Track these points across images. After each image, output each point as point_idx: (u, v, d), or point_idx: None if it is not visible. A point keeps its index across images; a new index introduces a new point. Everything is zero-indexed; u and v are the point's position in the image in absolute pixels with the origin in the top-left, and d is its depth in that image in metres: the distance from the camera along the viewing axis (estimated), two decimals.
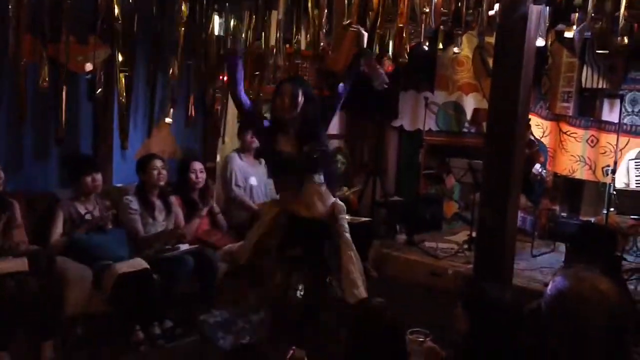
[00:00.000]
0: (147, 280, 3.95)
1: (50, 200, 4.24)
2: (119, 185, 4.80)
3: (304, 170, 3.39)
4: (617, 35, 3.39)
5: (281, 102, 3.40)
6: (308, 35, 4.50)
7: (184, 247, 4.34)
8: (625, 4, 3.22)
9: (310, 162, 3.38)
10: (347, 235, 3.49)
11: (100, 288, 3.88)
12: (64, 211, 4.12)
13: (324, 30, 4.42)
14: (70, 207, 4.16)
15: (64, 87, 4.36)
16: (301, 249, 3.46)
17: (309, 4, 4.36)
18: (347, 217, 5.39)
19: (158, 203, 4.49)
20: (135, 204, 4.38)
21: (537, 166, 5.64)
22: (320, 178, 3.46)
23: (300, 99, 3.37)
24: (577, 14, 3.75)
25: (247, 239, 3.61)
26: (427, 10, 4.04)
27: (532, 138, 5.89)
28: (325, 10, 4.41)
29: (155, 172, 4.43)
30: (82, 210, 4.19)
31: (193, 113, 5.26)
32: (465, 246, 5.59)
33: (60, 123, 4.39)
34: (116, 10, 4.34)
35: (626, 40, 3.42)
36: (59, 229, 4.09)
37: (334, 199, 3.55)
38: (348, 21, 4.30)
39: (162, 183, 4.49)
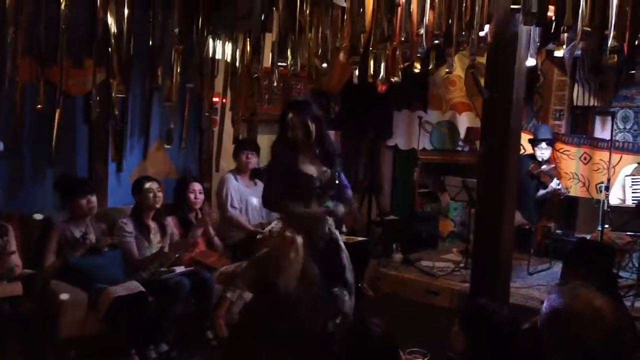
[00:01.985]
0: (143, 303, 3.93)
1: (45, 223, 4.23)
2: (114, 207, 4.80)
3: (325, 192, 3.40)
4: (606, 54, 3.43)
5: (294, 135, 3.42)
6: (302, 57, 4.53)
7: (180, 269, 4.33)
8: (614, 23, 3.26)
9: (332, 185, 3.40)
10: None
11: (95, 311, 3.86)
12: (58, 234, 4.11)
13: (319, 52, 4.47)
14: (65, 230, 4.15)
15: (59, 110, 4.38)
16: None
17: (303, 26, 4.40)
18: (342, 237, 5.45)
19: (153, 226, 4.48)
20: (130, 227, 4.37)
21: (555, 182, 5.68)
22: (331, 203, 3.49)
23: (312, 126, 3.38)
24: (566, 34, 3.79)
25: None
26: (420, 31, 4.09)
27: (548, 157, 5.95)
28: (319, 32, 4.46)
29: (151, 195, 4.43)
30: (77, 233, 4.18)
31: (185, 134, 5.28)
32: (462, 264, 5.60)
33: (55, 145, 4.40)
34: (112, 34, 4.37)
35: (615, 59, 3.47)
36: (53, 252, 4.08)
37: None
38: (343, 43, 4.35)
39: (158, 206, 4.48)
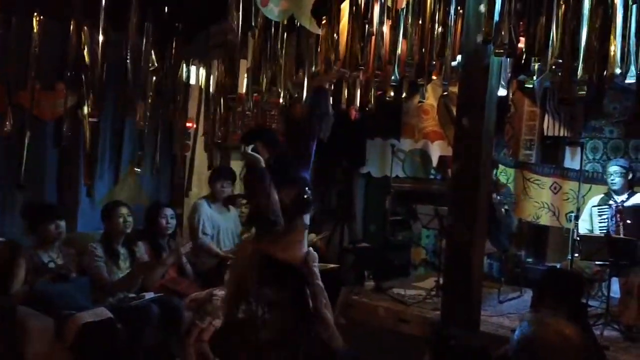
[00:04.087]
0: (111, 330, 3.85)
1: (11, 248, 4.14)
2: (84, 232, 4.73)
3: (296, 213, 3.43)
4: (575, 85, 3.51)
5: (245, 162, 3.55)
6: (276, 84, 4.57)
7: (149, 295, 4.27)
8: (583, 56, 3.34)
9: (303, 205, 3.44)
10: (319, 282, 3.53)
11: (62, 338, 3.77)
12: (26, 260, 4.02)
13: (292, 79, 4.51)
14: (33, 256, 4.07)
15: (29, 134, 4.33)
16: (275, 291, 3.45)
17: (278, 53, 4.44)
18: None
19: (123, 251, 4.42)
20: (100, 251, 4.31)
21: (495, 196, 5.66)
22: (306, 220, 3.51)
23: (263, 150, 3.45)
24: (537, 65, 3.87)
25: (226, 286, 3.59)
26: (393, 61, 4.15)
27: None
28: (293, 59, 4.51)
29: (121, 220, 4.37)
30: (45, 259, 4.10)
31: (157, 160, 5.26)
32: (433, 292, 5.59)
33: (24, 170, 4.34)
34: (85, 58, 4.35)
35: (585, 90, 3.54)
36: (20, 278, 3.98)
37: (309, 248, 3.59)
38: (317, 69, 4.40)
39: (128, 231, 4.42)
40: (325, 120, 3.64)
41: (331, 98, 4.76)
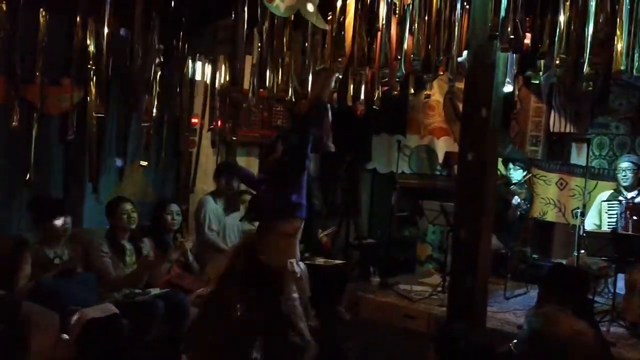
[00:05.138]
0: (116, 326, 3.86)
1: (17, 243, 4.15)
2: (90, 228, 4.74)
3: (274, 216, 3.46)
4: (581, 82, 3.49)
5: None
6: (282, 79, 4.56)
7: (155, 291, 4.27)
8: (589, 51, 3.32)
9: (279, 209, 3.46)
10: (295, 295, 3.60)
11: (67, 334, 3.78)
12: (31, 255, 4.03)
13: (298, 74, 4.50)
14: (39, 251, 4.08)
15: (35, 129, 4.34)
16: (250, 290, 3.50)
17: (283, 49, 4.43)
18: (320, 260, 5.44)
19: (128, 247, 4.43)
20: (105, 247, 4.32)
21: (516, 198, 5.66)
22: (288, 227, 3.54)
23: (278, 148, 3.49)
24: (543, 61, 3.85)
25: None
26: (399, 56, 4.13)
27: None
28: (299, 55, 4.49)
29: (125, 216, 4.38)
30: (51, 255, 4.11)
31: (163, 155, 5.27)
32: (439, 289, 5.59)
33: (30, 165, 4.35)
34: (90, 53, 4.35)
35: (591, 86, 3.53)
36: (25, 273, 3.99)
37: (293, 259, 3.62)
38: (322, 66, 4.38)
39: (132, 226, 4.43)
40: (327, 135, 3.70)
41: (336, 94, 4.78)
